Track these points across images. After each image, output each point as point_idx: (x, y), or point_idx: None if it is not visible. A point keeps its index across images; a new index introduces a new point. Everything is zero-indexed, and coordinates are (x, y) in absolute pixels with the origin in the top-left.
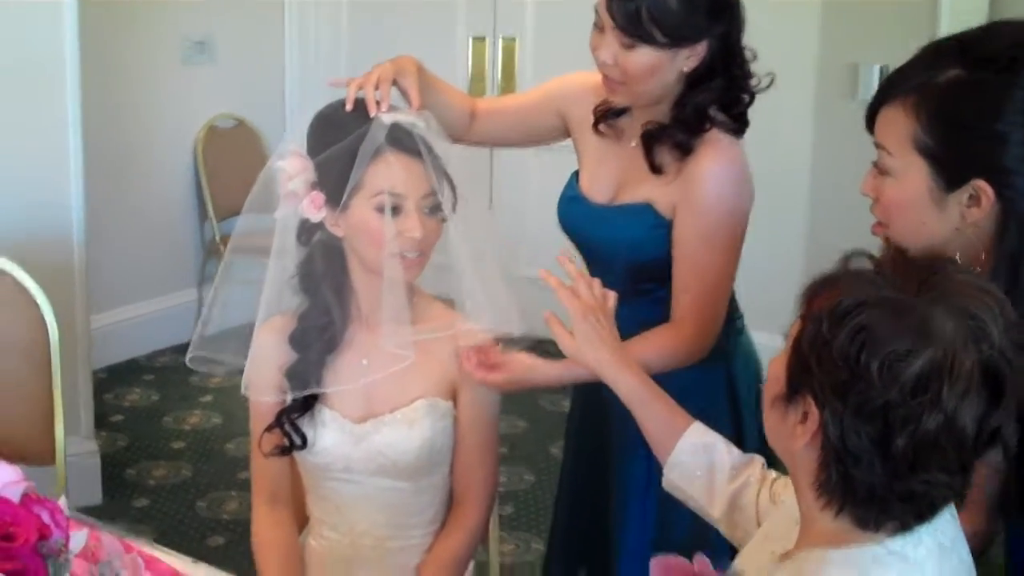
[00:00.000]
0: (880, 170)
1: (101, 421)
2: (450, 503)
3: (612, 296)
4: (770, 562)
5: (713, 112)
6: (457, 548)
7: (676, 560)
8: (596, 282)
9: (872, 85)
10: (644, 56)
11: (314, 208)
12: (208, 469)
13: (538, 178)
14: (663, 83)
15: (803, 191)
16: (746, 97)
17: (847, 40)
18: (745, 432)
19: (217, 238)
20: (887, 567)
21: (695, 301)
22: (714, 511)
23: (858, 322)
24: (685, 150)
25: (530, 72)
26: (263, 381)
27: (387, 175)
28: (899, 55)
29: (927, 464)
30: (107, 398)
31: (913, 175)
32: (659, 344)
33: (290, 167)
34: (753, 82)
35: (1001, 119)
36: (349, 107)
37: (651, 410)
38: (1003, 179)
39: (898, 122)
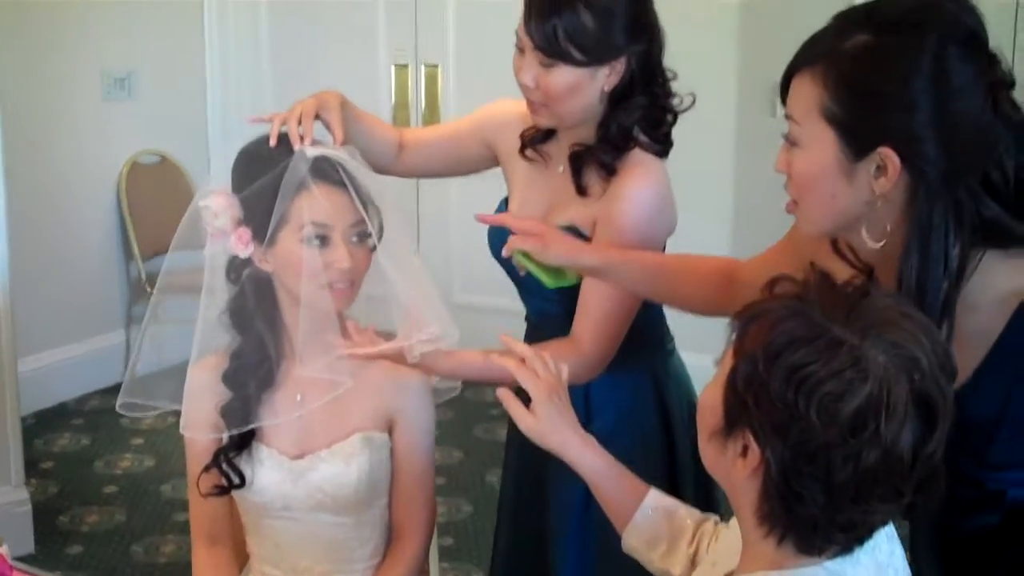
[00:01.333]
0: (790, 142)
1: (31, 468)
2: (390, 535)
3: (565, 370)
4: None
5: (637, 133)
6: None
7: None
8: (548, 357)
9: None
10: (564, 75)
11: (241, 244)
12: (142, 513)
13: (459, 205)
14: (585, 102)
15: (727, 209)
16: (669, 117)
17: (765, 58)
18: (677, 452)
19: (143, 277)
20: None
21: (596, 323)
22: (676, 570)
23: (792, 362)
24: (610, 170)
25: (454, 98)
26: (199, 420)
27: (312, 207)
28: None
29: (868, 495)
30: (36, 444)
31: (822, 144)
32: (558, 358)
33: (215, 205)
34: (675, 101)
35: (908, 84)
36: (273, 142)
37: (613, 484)
38: (911, 147)
39: (806, 91)
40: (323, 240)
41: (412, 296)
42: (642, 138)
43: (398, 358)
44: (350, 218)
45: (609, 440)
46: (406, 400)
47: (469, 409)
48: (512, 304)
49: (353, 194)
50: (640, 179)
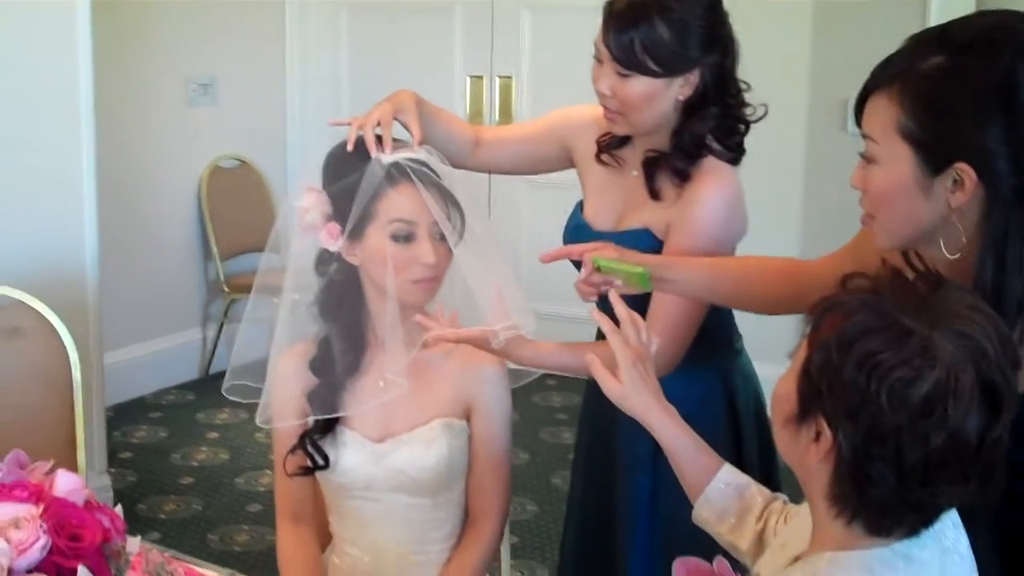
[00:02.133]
0: (867, 159)
1: (111, 458)
2: (466, 518)
3: (656, 342)
4: (785, 565)
5: (710, 141)
6: (474, 562)
7: (697, 561)
8: (643, 326)
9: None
10: (640, 85)
11: (331, 238)
12: (218, 503)
13: (530, 211)
14: (659, 112)
15: (796, 221)
16: (742, 127)
17: (837, 75)
18: (744, 449)
19: (221, 277)
20: (894, 567)
21: (665, 327)
22: (742, 545)
23: (865, 350)
24: (683, 176)
25: (526, 108)
26: (285, 406)
27: (399, 205)
28: None
29: (936, 478)
30: (115, 436)
31: (899, 161)
32: None
33: (306, 201)
34: (748, 111)
35: (981, 102)
36: (350, 147)
37: (690, 455)
38: (986, 162)
39: (883, 110)
40: (408, 236)
41: (494, 287)
42: (715, 146)
43: (481, 343)
44: (435, 215)
45: None
46: (484, 388)
47: (536, 412)
48: (579, 311)
49: (436, 193)
50: (714, 185)
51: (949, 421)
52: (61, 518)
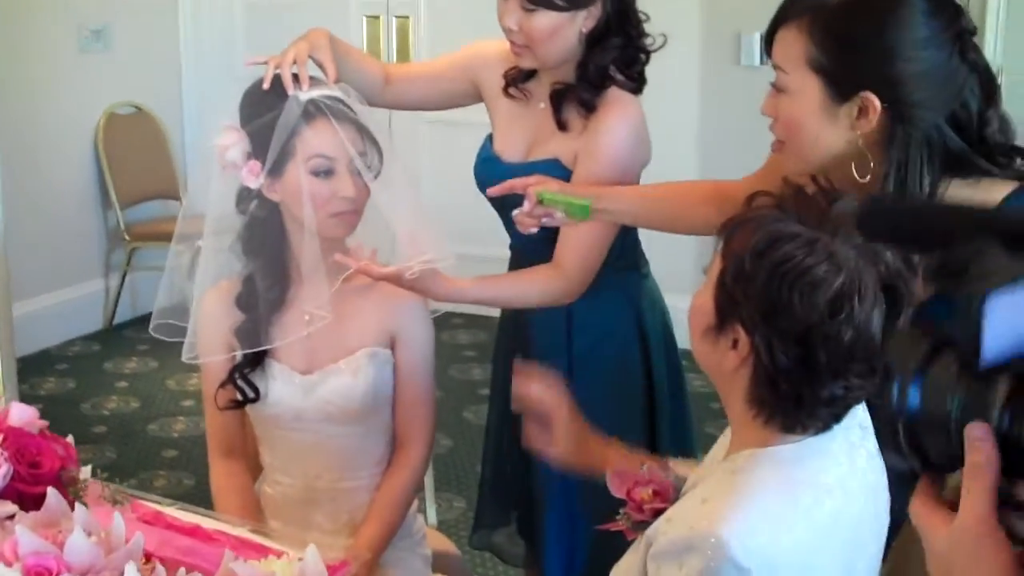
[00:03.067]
0: (778, 89)
1: None
2: (394, 443)
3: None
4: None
5: (613, 71)
6: (403, 484)
7: (629, 470)
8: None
9: (753, 52)
10: (545, 19)
11: (252, 176)
12: (132, 451)
13: (431, 150)
14: (564, 44)
15: (692, 150)
16: (642, 56)
17: (728, 8)
18: (654, 369)
19: (122, 226)
20: (805, 460)
21: (578, 249)
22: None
23: (775, 257)
24: (589, 107)
25: (424, 48)
26: (212, 342)
27: (317, 140)
28: None
29: (846, 371)
30: (22, 388)
31: (807, 91)
32: (542, 280)
33: (226, 139)
34: (647, 42)
35: (885, 34)
36: (266, 85)
37: None
38: (890, 90)
39: (793, 42)
40: (328, 171)
41: (411, 223)
42: (618, 76)
43: (398, 280)
44: (352, 150)
45: (590, 357)
46: (406, 319)
47: (444, 350)
48: (485, 251)
49: (354, 129)
50: (618, 114)
51: (855, 319)
52: (20, 447)
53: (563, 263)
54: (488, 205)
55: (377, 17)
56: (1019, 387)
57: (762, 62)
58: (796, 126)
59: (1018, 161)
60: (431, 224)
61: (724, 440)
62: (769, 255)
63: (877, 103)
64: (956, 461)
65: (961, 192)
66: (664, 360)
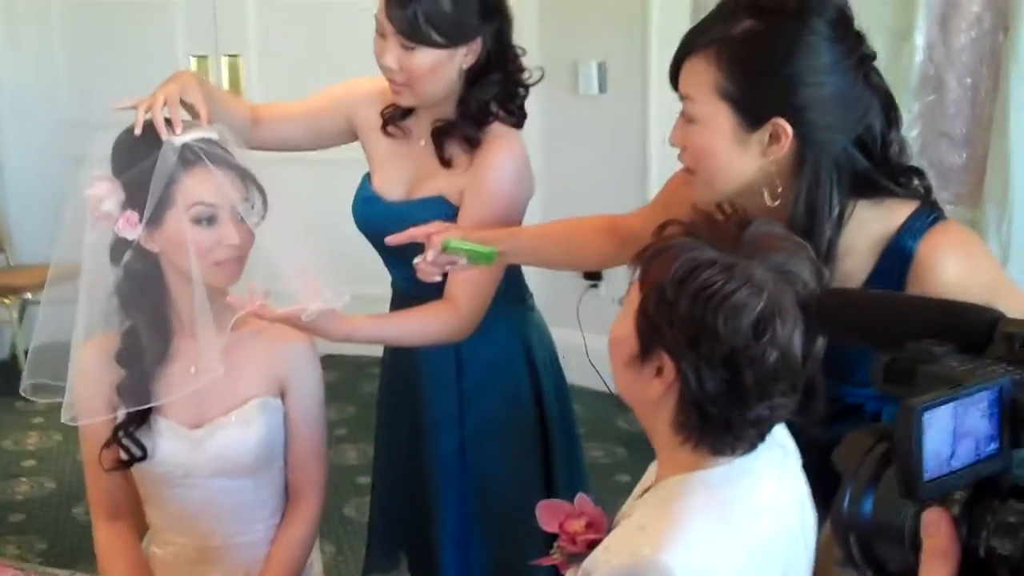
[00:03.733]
0: (687, 119)
1: None
2: (286, 495)
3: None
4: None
5: (494, 107)
6: (300, 536)
7: (558, 503)
8: None
9: (592, 80)
10: (425, 57)
11: (129, 227)
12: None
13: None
14: (445, 81)
15: (536, 182)
16: (522, 90)
17: (565, 38)
18: (545, 399)
19: None
20: (736, 480)
21: (468, 285)
22: None
23: (696, 284)
24: (473, 143)
25: (257, 87)
26: (92, 400)
27: (198, 188)
28: (615, 51)
29: (771, 392)
30: None
31: (718, 119)
32: (438, 318)
33: (99, 190)
34: (525, 76)
35: (792, 61)
36: (138, 131)
37: None
38: (798, 116)
39: (701, 72)
40: (210, 219)
41: (302, 263)
42: (499, 112)
43: (294, 321)
44: (235, 196)
45: (479, 391)
46: (295, 365)
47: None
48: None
49: (235, 174)
50: (504, 149)
51: (778, 340)
52: None
53: (457, 300)
54: (366, 243)
55: (205, 57)
56: (975, 497)
57: (602, 91)
58: (707, 154)
59: (915, 181)
60: (323, 263)
61: (650, 471)
62: (690, 282)
63: (789, 129)
64: (914, 572)
65: (866, 212)
66: (554, 389)
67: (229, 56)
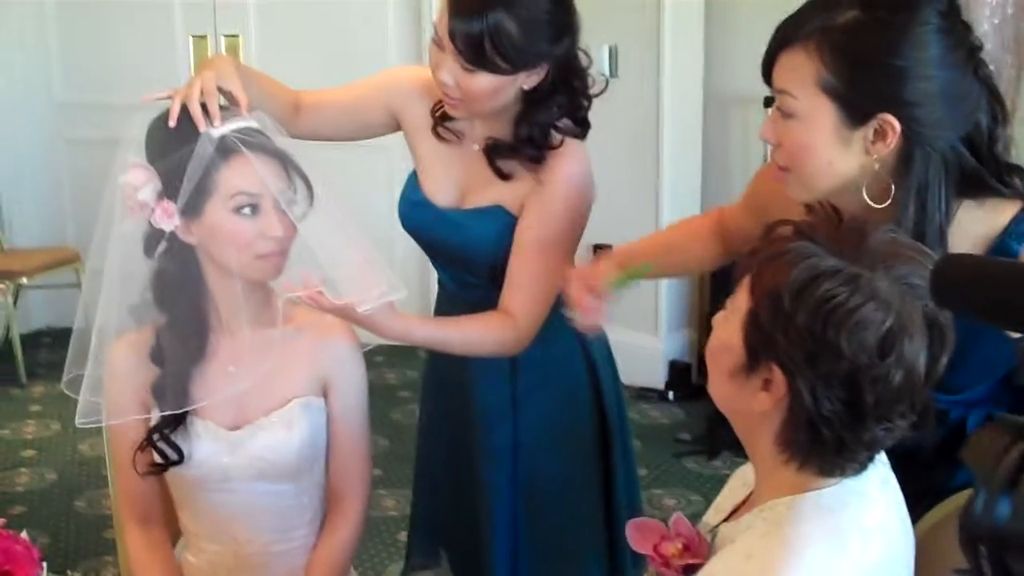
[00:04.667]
0: (784, 114)
1: None
2: (328, 499)
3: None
4: (723, 517)
5: (555, 130)
6: (343, 543)
7: (651, 522)
8: None
9: (603, 63)
10: (485, 81)
11: (166, 217)
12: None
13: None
14: (503, 102)
15: None
16: (585, 103)
17: None
18: (605, 398)
19: None
20: (848, 504)
21: (529, 298)
22: None
23: (817, 295)
24: (537, 161)
25: (257, 68)
26: (124, 400)
27: (241, 176)
28: (628, 34)
29: (891, 414)
30: None
31: (819, 115)
32: (495, 329)
33: (135, 178)
34: (591, 89)
35: (900, 55)
36: (172, 123)
37: None
38: (906, 112)
39: (800, 65)
40: (253, 208)
41: (354, 254)
42: (561, 124)
43: (348, 313)
44: (278, 185)
45: (536, 390)
46: (338, 363)
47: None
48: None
49: (279, 162)
50: (574, 162)
51: (905, 359)
52: None
53: (514, 311)
54: (410, 242)
55: (204, 37)
56: None
57: (613, 75)
58: (806, 152)
59: (1016, 180)
60: (376, 257)
61: (735, 483)
62: (810, 293)
63: (897, 125)
64: None
65: (970, 213)
66: (614, 391)
67: (228, 36)
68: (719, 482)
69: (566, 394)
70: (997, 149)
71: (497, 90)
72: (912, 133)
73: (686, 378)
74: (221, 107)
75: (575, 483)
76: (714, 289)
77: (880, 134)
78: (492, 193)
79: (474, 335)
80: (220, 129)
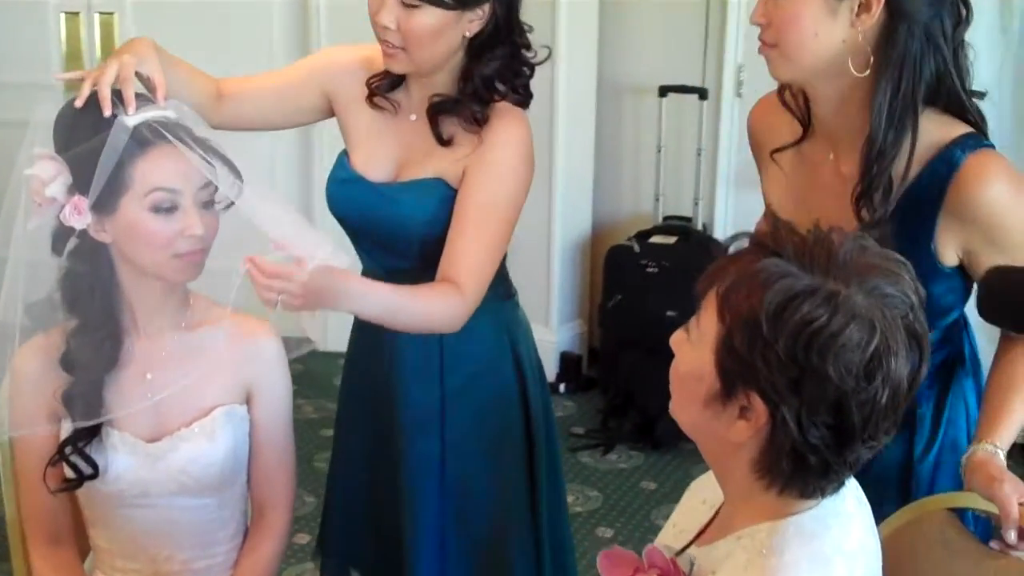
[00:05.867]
0: None
1: None
2: (251, 511)
3: None
4: (685, 542)
5: (500, 86)
6: (267, 558)
7: (623, 553)
8: None
9: None
10: (428, 17)
11: (77, 214)
12: None
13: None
14: (445, 48)
15: None
16: (527, 70)
17: None
18: (531, 403)
19: None
20: (829, 526)
21: (475, 267)
22: None
23: (797, 319)
24: (480, 121)
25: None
26: (30, 411)
27: (159, 171)
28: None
29: (877, 432)
30: None
31: None
32: (445, 298)
33: (43, 171)
34: (530, 54)
35: None
36: (79, 103)
37: None
38: None
39: None
40: (171, 207)
41: (293, 219)
42: (503, 90)
43: (292, 276)
44: (198, 180)
45: (463, 394)
46: (262, 368)
47: None
48: None
49: (199, 154)
50: (512, 128)
51: (891, 378)
52: None
53: (460, 280)
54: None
55: (77, 14)
56: None
57: None
58: (794, 23)
59: (975, 105)
60: (310, 230)
61: (692, 500)
62: (788, 316)
63: None
64: None
65: (928, 121)
66: (539, 392)
67: (103, 14)
68: (616, 477)
69: (494, 394)
70: (960, 59)
71: (439, 30)
72: (896, 6)
73: (577, 370)
74: (137, 94)
75: (502, 490)
76: (606, 279)
77: (864, 6)
78: (432, 164)
79: (428, 304)
80: (135, 117)
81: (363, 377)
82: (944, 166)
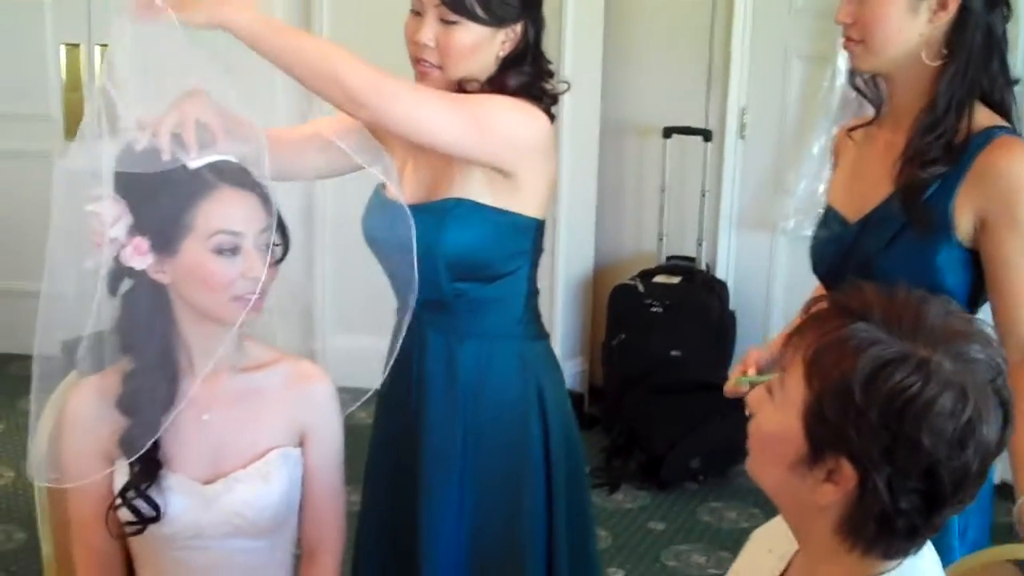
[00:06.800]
0: None
1: None
2: (301, 554)
3: None
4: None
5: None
6: None
7: None
8: None
9: None
10: (467, 33)
11: (138, 255)
12: None
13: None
14: (480, 66)
15: None
16: (547, 100)
17: None
18: (552, 450)
19: None
20: None
21: None
22: None
23: (890, 387)
24: None
25: None
26: (85, 454)
27: (222, 214)
28: None
29: (965, 496)
30: None
31: None
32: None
33: (106, 211)
34: (553, 80)
35: None
36: (167, 157)
37: None
38: None
39: None
40: (234, 249)
41: None
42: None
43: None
44: (259, 224)
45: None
46: (315, 412)
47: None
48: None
49: (261, 199)
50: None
51: (982, 445)
52: None
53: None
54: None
55: (77, 45)
56: None
57: None
58: (880, 20)
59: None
60: None
61: (756, 548)
62: (881, 384)
63: None
64: None
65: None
66: (563, 438)
67: (102, 46)
68: (624, 517)
69: (515, 436)
70: (1006, 52)
71: (477, 46)
72: (967, 4)
73: (579, 408)
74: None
75: (522, 530)
76: (610, 318)
77: (942, 4)
78: (459, 185)
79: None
80: (198, 160)
81: (391, 412)
82: (979, 138)
